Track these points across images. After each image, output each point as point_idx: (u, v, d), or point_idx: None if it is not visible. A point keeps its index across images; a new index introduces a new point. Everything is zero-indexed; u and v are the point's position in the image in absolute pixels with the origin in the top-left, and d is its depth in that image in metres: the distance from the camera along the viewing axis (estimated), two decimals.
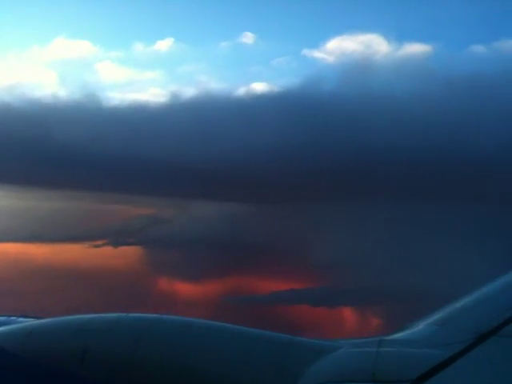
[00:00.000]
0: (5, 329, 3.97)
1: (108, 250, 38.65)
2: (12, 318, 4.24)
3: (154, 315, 3.84)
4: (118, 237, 40.85)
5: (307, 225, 38.83)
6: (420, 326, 3.76)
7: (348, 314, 29.18)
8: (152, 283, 32.34)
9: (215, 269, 32.10)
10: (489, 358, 3.24)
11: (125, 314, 3.85)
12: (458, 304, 3.91)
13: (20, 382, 3.64)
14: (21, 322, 4.12)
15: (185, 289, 31.70)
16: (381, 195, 40.26)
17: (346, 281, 30.03)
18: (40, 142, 45.84)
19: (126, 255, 39.21)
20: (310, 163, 43.07)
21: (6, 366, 3.70)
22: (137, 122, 50.56)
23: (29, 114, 49.14)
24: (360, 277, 29.47)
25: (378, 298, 27.62)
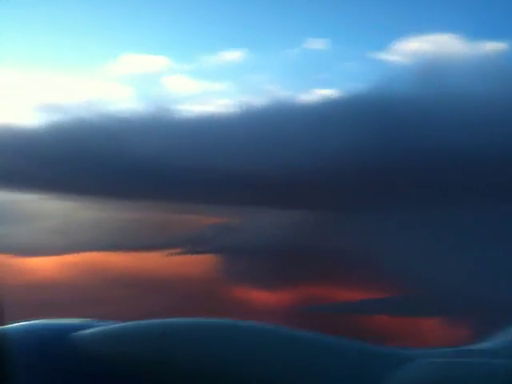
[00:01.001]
0: (87, 332, 4.00)
1: (184, 258, 39.44)
2: (93, 321, 4.36)
3: (229, 320, 3.91)
4: (193, 245, 41.56)
5: (381, 232, 37.62)
6: (502, 336, 3.67)
7: (429, 324, 27.93)
8: (229, 291, 32.53)
9: (290, 277, 31.81)
10: None
11: (202, 319, 3.96)
12: None
13: None
14: (101, 325, 4.20)
15: (261, 297, 31.59)
16: (458, 201, 38.21)
17: (425, 289, 28.94)
18: (115, 156, 47.69)
19: (200, 263, 39.82)
20: (381, 169, 41.72)
21: (86, 370, 3.72)
22: (207, 133, 51.38)
23: (104, 129, 51.29)
24: (439, 285, 28.31)
25: (461, 307, 26.22)
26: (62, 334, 4.06)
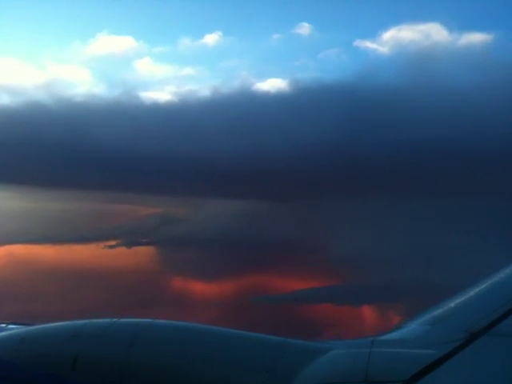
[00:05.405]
0: None
1: (122, 250, 38.36)
2: (2, 325, 4.25)
3: (147, 320, 3.84)
4: (131, 237, 40.54)
5: (329, 222, 38.02)
6: (412, 326, 3.81)
7: (372, 312, 28.59)
8: (168, 283, 31.82)
9: (234, 268, 31.58)
10: (480, 356, 3.27)
11: (116, 319, 3.85)
12: (451, 302, 3.93)
13: None
14: (12, 328, 4.11)
15: (202, 289, 31.13)
16: (417, 191, 38.58)
17: (368, 278, 29.61)
18: (51, 142, 45.41)
19: (140, 255, 38.79)
20: (351, 160, 41.41)
21: None
22: (169, 120, 49.46)
23: (55, 113, 48.18)
24: (383, 274, 29.02)
25: (402, 294, 26.98)
26: None
